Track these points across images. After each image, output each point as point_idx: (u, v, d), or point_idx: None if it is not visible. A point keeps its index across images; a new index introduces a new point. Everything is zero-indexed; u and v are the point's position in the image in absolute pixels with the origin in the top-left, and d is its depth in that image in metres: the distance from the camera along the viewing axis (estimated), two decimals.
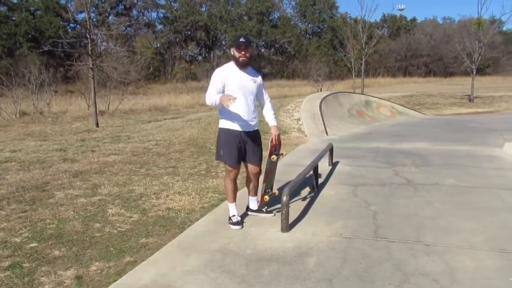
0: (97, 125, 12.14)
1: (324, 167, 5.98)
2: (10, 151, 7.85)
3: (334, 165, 6.31)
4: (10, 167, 6.35)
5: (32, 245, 3.39)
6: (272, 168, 3.93)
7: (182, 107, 21.14)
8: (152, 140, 8.94)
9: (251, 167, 3.76)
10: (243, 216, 3.95)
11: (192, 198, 4.70)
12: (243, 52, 3.43)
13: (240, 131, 3.57)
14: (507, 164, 6.30)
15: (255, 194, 3.97)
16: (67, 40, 15.46)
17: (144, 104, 20.78)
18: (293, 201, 4.40)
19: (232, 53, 3.51)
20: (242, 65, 3.49)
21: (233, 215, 3.73)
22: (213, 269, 2.90)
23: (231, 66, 3.55)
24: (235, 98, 3.26)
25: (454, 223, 3.76)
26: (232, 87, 3.48)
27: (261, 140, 3.81)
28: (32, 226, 3.81)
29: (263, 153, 3.84)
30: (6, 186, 5.15)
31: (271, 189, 3.96)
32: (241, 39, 3.44)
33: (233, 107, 3.43)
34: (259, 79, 3.69)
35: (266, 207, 4.01)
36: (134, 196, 4.77)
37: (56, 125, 13.04)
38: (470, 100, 23.91)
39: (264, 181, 3.89)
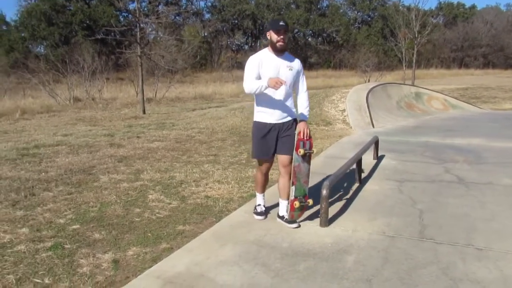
0: (144, 112, 12.47)
1: (368, 160, 5.74)
2: (62, 135, 8.22)
3: (379, 159, 6.05)
4: (60, 150, 6.64)
5: (75, 227, 3.49)
6: (302, 169, 3.35)
7: (226, 95, 21.27)
8: (195, 128, 9.04)
9: (282, 159, 3.41)
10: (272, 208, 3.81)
11: (231, 187, 4.67)
12: (281, 37, 3.19)
13: (273, 124, 3.35)
14: None
15: (286, 197, 3.46)
16: (118, 28, 15.99)
17: (190, 92, 21.11)
18: (334, 195, 4.25)
19: (269, 37, 3.26)
20: (279, 50, 3.25)
21: (259, 204, 3.67)
22: (247, 261, 2.84)
23: (265, 52, 3.32)
24: (285, 82, 3.10)
25: (510, 227, 3.45)
26: (265, 74, 3.22)
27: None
28: (76, 208, 3.94)
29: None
30: (56, 169, 5.38)
31: (305, 198, 3.39)
32: (281, 23, 3.20)
33: (267, 97, 3.29)
34: (296, 65, 3.37)
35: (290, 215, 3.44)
36: (174, 183, 4.82)
37: (106, 111, 13.55)
38: None
39: (293, 183, 3.34)
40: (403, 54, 26.64)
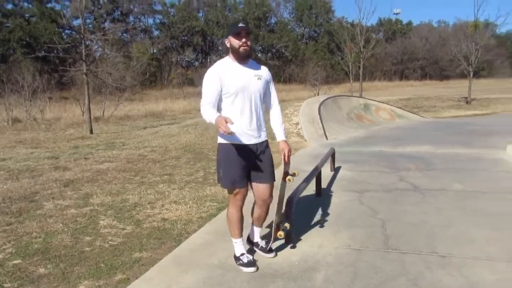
0: (91, 132, 11.88)
1: (326, 173, 5.76)
2: (0, 159, 7.58)
3: (336, 170, 6.10)
4: None
5: (16, 262, 3.13)
6: (283, 194, 3.15)
7: (178, 112, 20.90)
8: (147, 147, 8.70)
9: (261, 189, 2.91)
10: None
11: (189, 207, 4.46)
12: (243, 40, 2.66)
13: (244, 145, 2.78)
14: None
15: (261, 224, 3.14)
16: (61, 45, 15.27)
17: (139, 110, 20.53)
18: (296, 210, 4.16)
19: (228, 44, 2.74)
20: (242, 57, 2.72)
21: (242, 254, 2.92)
22: (212, 286, 2.66)
23: (226, 61, 2.78)
24: (232, 123, 2.43)
25: (467, 232, 3.54)
26: (230, 88, 2.70)
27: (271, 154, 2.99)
28: (17, 240, 3.56)
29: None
30: None
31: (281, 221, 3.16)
32: (241, 24, 2.68)
33: (234, 113, 2.72)
34: (265, 74, 2.87)
35: (265, 242, 3.16)
36: (127, 206, 4.53)
37: (49, 132, 12.77)
38: (467, 102, 23.78)
39: (277, 212, 3.06)
40: (350, 68, 27.65)
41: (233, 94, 2.73)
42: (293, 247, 3.25)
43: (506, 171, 5.84)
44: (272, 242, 3.13)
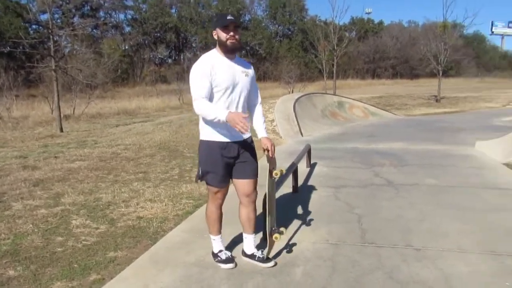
0: (61, 130, 11.52)
1: (302, 169, 5.78)
2: None
3: (312, 166, 6.14)
4: None
5: None
6: (272, 192, 2.96)
7: (152, 110, 20.57)
8: (120, 145, 8.51)
9: (245, 184, 2.78)
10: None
11: (165, 205, 4.38)
12: (231, 33, 2.57)
13: (228, 142, 2.69)
14: (481, 162, 6.32)
15: (252, 230, 2.91)
16: (27, 41, 14.71)
17: (112, 107, 20.06)
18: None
19: (215, 37, 2.64)
20: (230, 51, 2.64)
21: (220, 251, 2.89)
22: (189, 285, 2.62)
23: (215, 54, 2.67)
24: (247, 115, 2.44)
25: (440, 225, 3.63)
26: (221, 83, 2.60)
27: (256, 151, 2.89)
28: None
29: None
30: None
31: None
32: (229, 17, 2.58)
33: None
34: (251, 71, 2.80)
35: (261, 252, 2.90)
36: (101, 205, 4.41)
37: (17, 131, 12.30)
38: (437, 100, 24.47)
39: (269, 213, 2.85)
40: (324, 66, 27.93)
41: (222, 89, 2.62)
42: (275, 264, 2.91)
43: (475, 167, 6.03)
44: (270, 249, 2.89)
